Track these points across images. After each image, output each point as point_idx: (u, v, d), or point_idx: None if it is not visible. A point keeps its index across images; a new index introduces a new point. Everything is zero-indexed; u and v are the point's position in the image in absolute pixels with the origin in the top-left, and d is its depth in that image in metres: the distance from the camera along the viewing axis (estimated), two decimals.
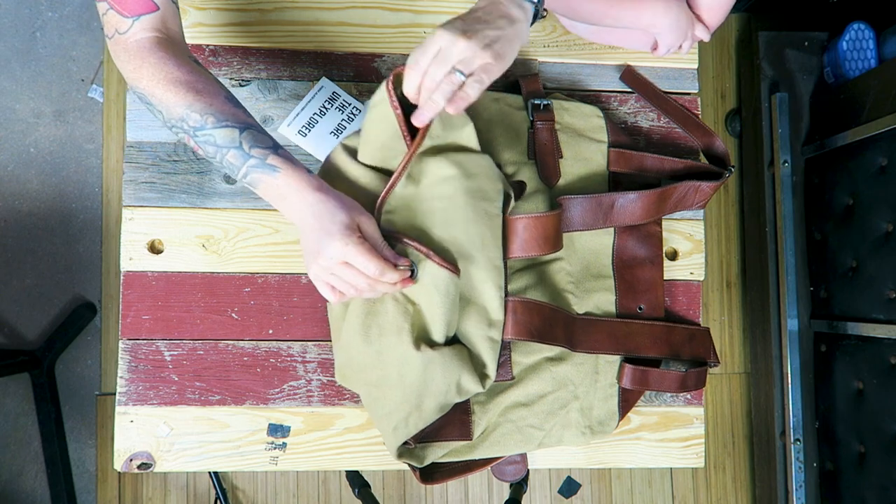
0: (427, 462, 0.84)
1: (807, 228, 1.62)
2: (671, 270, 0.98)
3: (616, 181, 0.94)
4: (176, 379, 0.89)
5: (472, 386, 0.78)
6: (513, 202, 0.82)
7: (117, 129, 1.68)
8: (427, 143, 0.77)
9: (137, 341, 0.89)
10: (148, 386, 0.89)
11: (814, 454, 1.61)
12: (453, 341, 0.81)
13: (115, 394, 1.02)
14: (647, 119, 1.00)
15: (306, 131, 0.91)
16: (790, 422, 1.58)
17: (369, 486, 1.29)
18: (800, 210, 1.62)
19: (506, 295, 0.81)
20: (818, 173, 1.58)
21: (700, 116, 0.99)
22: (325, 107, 0.91)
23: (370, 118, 0.76)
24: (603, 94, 0.99)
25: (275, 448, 0.90)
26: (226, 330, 0.90)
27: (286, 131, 0.91)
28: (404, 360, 0.76)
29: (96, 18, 1.69)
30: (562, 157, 0.92)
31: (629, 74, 0.98)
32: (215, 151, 0.70)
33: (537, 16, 0.70)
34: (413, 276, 0.74)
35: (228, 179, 0.91)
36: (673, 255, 0.98)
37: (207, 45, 0.93)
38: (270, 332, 0.91)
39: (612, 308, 0.92)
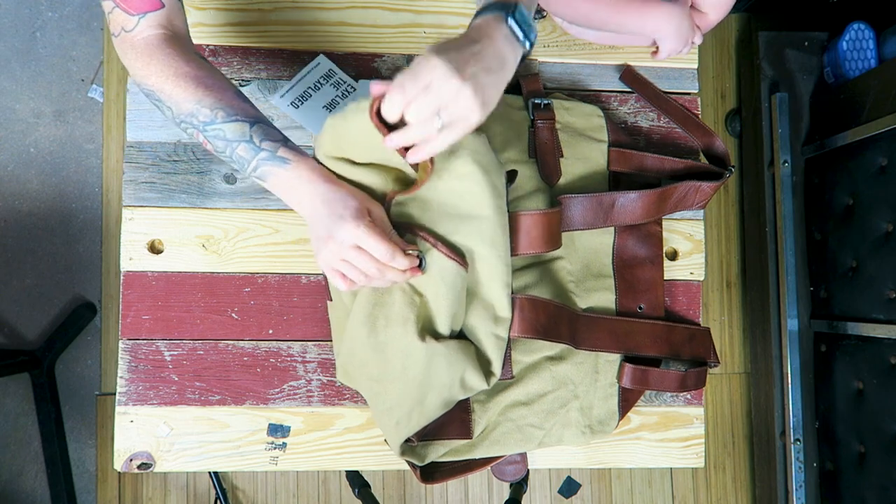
0: (428, 460, 0.84)
1: (807, 228, 1.62)
2: (671, 270, 0.98)
3: (616, 181, 0.94)
4: (176, 379, 0.89)
5: (476, 382, 0.78)
6: (509, 194, 0.81)
7: (117, 129, 1.68)
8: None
9: (137, 341, 0.89)
10: (148, 386, 0.89)
11: (814, 454, 1.61)
12: (459, 337, 0.81)
13: (115, 394, 1.02)
14: (647, 119, 1.00)
15: (299, 103, 0.91)
16: (790, 422, 1.58)
17: (369, 486, 1.29)
18: (800, 210, 1.62)
19: (511, 292, 0.81)
20: (818, 173, 1.58)
21: (700, 116, 0.99)
22: (320, 82, 0.92)
23: (354, 123, 0.72)
24: (603, 94, 0.99)
25: (275, 448, 0.90)
26: (226, 330, 0.90)
27: (278, 102, 0.91)
28: (408, 353, 0.75)
29: (96, 18, 1.69)
30: (562, 156, 0.92)
31: (629, 74, 0.99)
32: (225, 146, 0.71)
33: (524, 58, 0.66)
34: (422, 266, 0.73)
35: (229, 179, 0.91)
36: (673, 255, 0.98)
37: (207, 45, 0.93)
38: (270, 332, 0.91)
39: (612, 307, 0.92)
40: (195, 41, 0.92)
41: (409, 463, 0.84)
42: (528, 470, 0.95)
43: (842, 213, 1.51)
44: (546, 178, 0.90)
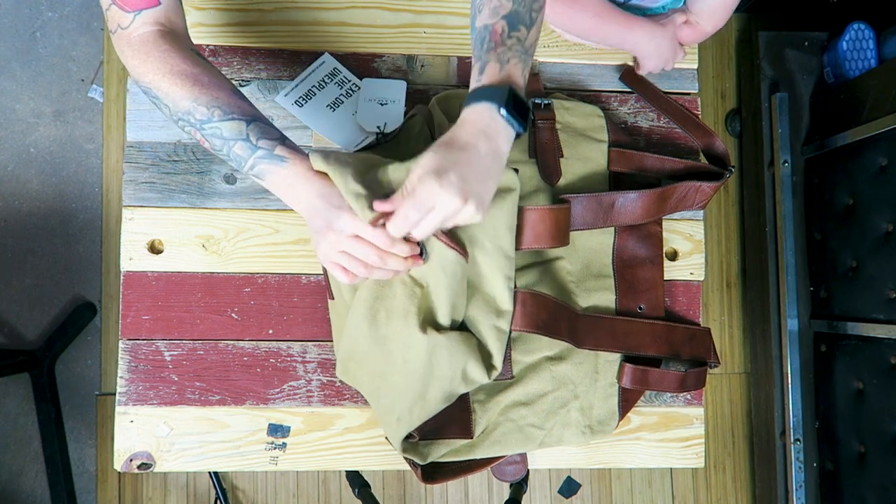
0: (429, 459, 0.84)
1: (807, 228, 1.62)
2: (671, 270, 0.98)
3: (616, 181, 0.94)
4: (176, 379, 0.89)
5: (478, 375, 0.78)
6: (518, 190, 0.80)
7: (117, 129, 1.68)
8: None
9: (137, 341, 0.89)
10: (148, 386, 0.89)
11: (814, 454, 1.61)
12: (461, 329, 0.80)
13: (115, 394, 1.02)
14: (648, 119, 1.00)
15: (303, 102, 0.91)
16: (790, 422, 1.58)
17: (369, 486, 1.29)
18: (800, 210, 1.62)
19: (514, 286, 0.81)
20: (818, 173, 1.58)
21: (700, 116, 0.99)
22: (324, 81, 0.92)
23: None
24: (603, 94, 0.99)
25: (275, 448, 0.90)
26: (226, 330, 0.90)
27: (282, 100, 0.91)
28: (410, 345, 0.75)
29: (96, 18, 1.69)
30: (562, 156, 0.92)
31: (629, 75, 0.99)
32: (222, 144, 0.71)
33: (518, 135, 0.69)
34: (422, 255, 0.72)
35: (228, 179, 0.91)
36: (673, 256, 0.98)
37: (207, 45, 0.93)
38: (270, 332, 0.91)
39: (612, 307, 0.92)
40: (195, 41, 0.92)
41: (409, 462, 0.84)
42: (528, 470, 0.95)
43: (842, 213, 1.51)
44: (546, 178, 0.90)
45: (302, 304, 0.91)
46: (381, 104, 0.91)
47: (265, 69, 0.93)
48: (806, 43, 1.66)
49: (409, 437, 0.81)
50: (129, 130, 0.90)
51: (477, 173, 0.63)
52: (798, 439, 1.58)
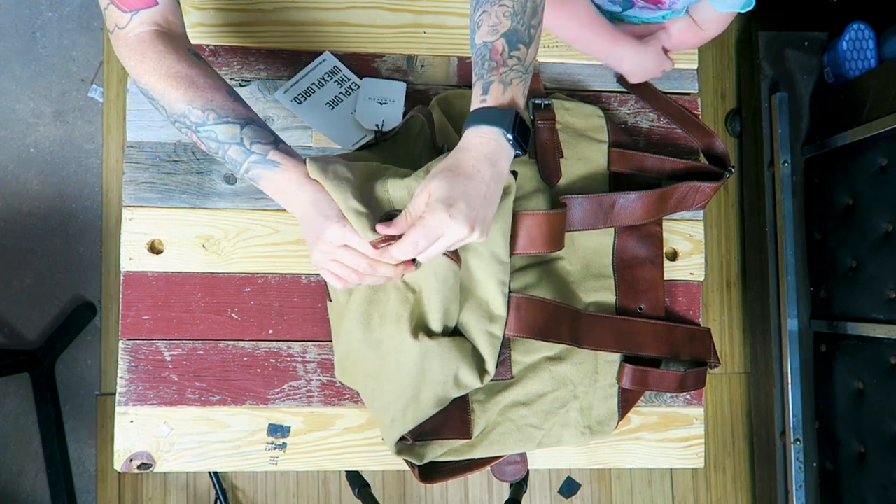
0: (426, 460, 0.84)
1: (807, 228, 1.62)
2: (671, 271, 0.98)
3: (616, 181, 0.94)
4: (176, 379, 0.89)
5: (470, 380, 0.78)
6: (514, 192, 0.81)
7: (117, 129, 1.68)
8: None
9: (137, 341, 0.89)
10: (148, 386, 0.89)
11: (814, 454, 1.61)
12: (455, 334, 0.80)
13: (115, 394, 1.02)
14: (648, 119, 1.00)
15: (302, 99, 0.91)
16: (790, 422, 1.58)
17: (369, 487, 1.29)
18: (800, 210, 1.62)
19: (509, 291, 0.81)
20: (818, 173, 1.58)
21: (700, 117, 0.99)
22: (324, 79, 0.92)
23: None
24: (603, 94, 0.99)
25: (275, 448, 0.90)
26: (226, 330, 0.90)
27: (281, 98, 0.91)
28: (402, 349, 0.76)
29: (96, 18, 1.69)
30: (562, 156, 0.92)
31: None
32: (217, 147, 0.71)
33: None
34: (414, 261, 0.72)
35: (228, 179, 0.91)
36: (673, 256, 0.98)
37: (207, 45, 0.93)
38: (270, 332, 0.91)
39: (612, 308, 0.92)
40: (195, 41, 0.92)
41: (407, 462, 0.84)
42: (528, 470, 0.95)
43: (842, 213, 1.51)
44: (546, 179, 0.90)
45: (302, 304, 0.91)
46: (381, 103, 0.91)
47: (265, 69, 0.93)
48: (806, 43, 1.66)
49: (402, 438, 0.81)
50: (129, 130, 0.90)
51: (482, 200, 0.65)
52: (798, 439, 1.58)
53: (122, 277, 0.89)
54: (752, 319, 1.79)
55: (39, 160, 1.66)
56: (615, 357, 0.90)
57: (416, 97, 0.94)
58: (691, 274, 0.99)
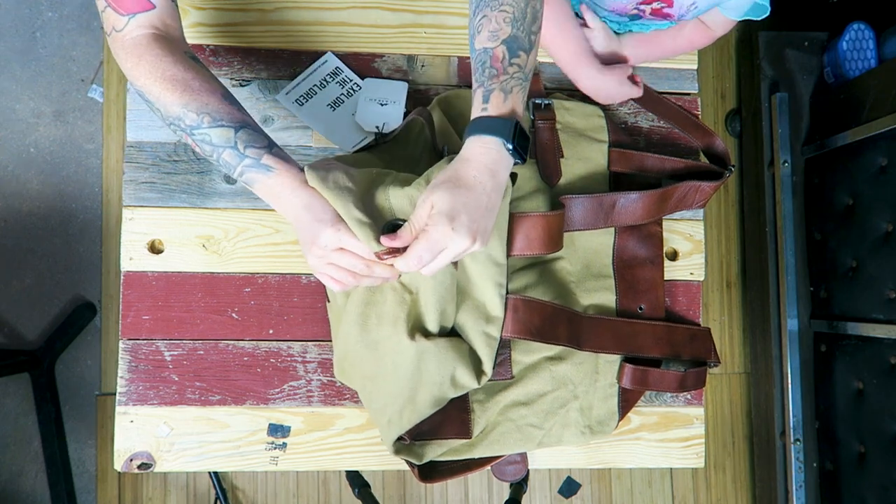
0: (426, 459, 0.84)
1: (807, 228, 1.62)
2: (671, 270, 0.98)
3: (617, 181, 0.94)
4: (176, 379, 0.89)
5: (467, 380, 0.78)
6: (510, 194, 0.81)
7: (117, 129, 1.68)
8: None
9: (137, 341, 0.89)
10: (148, 386, 0.89)
11: (814, 454, 1.61)
12: (452, 335, 0.81)
13: (115, 394, 1.02)
14: (648, 119, 1.00)
15: (304, 101, 0.91)
16: (790, 422, 1.58)
17: (369, 486, 1.29)
18: (800, 210, 1.62)
19: (506, 293, 0.81)
20: (818, 173, 1.58)
21: (700, 116, 0.99)
22: (326, 80, 0.92)
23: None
24: None
25: (275, 448, 0.90)
26: (226, 330, 0.90)
27: (283, 99, 0.91)
28: (398, 350, 0.76)
29: (96, 18, 1.69)
30: (563, 156, 0.92)
31: None
32: (212, 150, 0.71)
33: None
34: None
35: (228, 179, 0.91)
36: (673, 256, 0.98)
37: (207, 45, 0.93)
38: (270, 332, 0.91)
39: (612, 308, 0.92)
40: (195, 41, 0.92)
41: (406, 462, 0.84)
42: (528, 470, 0.95)
43: (842, 213, 1.51)
44: (546, 179, 0.90)
45: (302, 304, 0.91)
46: (381, 104, 0.91)
47: (265, 69, 0.93)
48: (806, 43, 1.66)
49: (400, 438, 0.81)
50: (129, 130, 0.90)
51: (484, 211, 0.66)
52: (798, 439, 1.58)
53: (122, 277, 0.89)
54: (752, 319, 1.79)
55: (39, 160, 1.66)
56: (615, 357, 0.90)
57: (416, 97, 0.94)
58: (691, 274, 0.99)
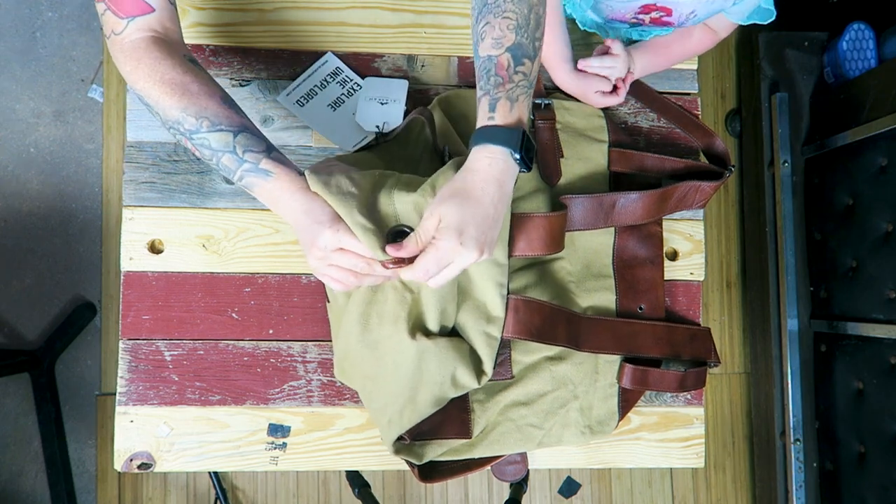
0: (425, 459, 0.84)
1: (807, 228, 1.62)
2: (671, 270, 0.98)
3: (617, 181, 0.94)
4: (176, 379, 0.89)
5: (467, 380, 0.78)
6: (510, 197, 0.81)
7: (117, 129, 1.68)
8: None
9: (137, 341, 0.89)
10: (148, 386, 0.89)
11: (814, 454, 1.61)
12: (453, 334, 0.80)
13: (115, 394, 1.02)
14: (648, 119, 1.00)
15: (304, 101, 0.91)
16: (790, 422, 1.58)
17: (369, 486, 1.29)
18: (800, 210, 1.62)
19: (507, 293, 0.81)
20: (818, 173, 1.58)
21: (700, 116, 0.99)
22: (326, 80, 0.92)
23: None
24: None
25: (275, 448, 0.90)
26: (226, 330, 0.90)
27: (284, 101, 0.91)
28: (399, 350, 0.76)
29: (96, 18, 1.69)
30: (563, 156, 0.92)
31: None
32: (211, 154, 0.71)
33: None
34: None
35: (228, 180, 0.91)
36: (673, 256, 0.98)
37: (207, 45, 0.93)
38: (270, 332, 0.91)
39: (612, 308, 0.92)
40: (195, 41, 0.92)
41: (406, 461, 0.84)
42: (528, 470, 0.95)
43: (842, 213, 1.51)
44: (546, 179, 0.90)
45: (302, 304, 0.91)
46: (382, 103, 0.91)
47: (265, 69, 0.93)
48: (806, 43, 1.66)
49: (400, 438, 0.81)
50: (129, 130, 0.90)
51: (491, 223, 0.66)
52: (798, 439, 1.58)
53: (122, 277, 0.89)
54: (752, 319, 1.79)
55: (39, 160, 1.66)
56: (615, 357, 0.90)
57: (416, 97, 0.94)
58: (691, 274, 0.99)
